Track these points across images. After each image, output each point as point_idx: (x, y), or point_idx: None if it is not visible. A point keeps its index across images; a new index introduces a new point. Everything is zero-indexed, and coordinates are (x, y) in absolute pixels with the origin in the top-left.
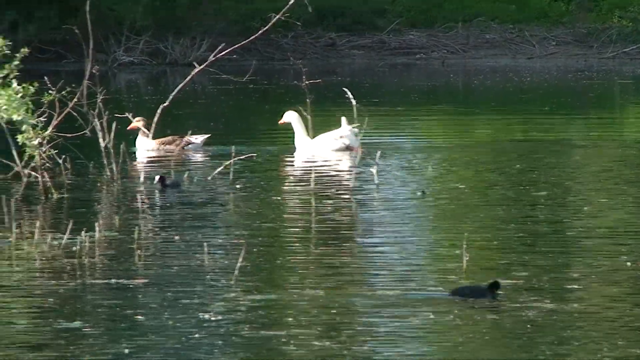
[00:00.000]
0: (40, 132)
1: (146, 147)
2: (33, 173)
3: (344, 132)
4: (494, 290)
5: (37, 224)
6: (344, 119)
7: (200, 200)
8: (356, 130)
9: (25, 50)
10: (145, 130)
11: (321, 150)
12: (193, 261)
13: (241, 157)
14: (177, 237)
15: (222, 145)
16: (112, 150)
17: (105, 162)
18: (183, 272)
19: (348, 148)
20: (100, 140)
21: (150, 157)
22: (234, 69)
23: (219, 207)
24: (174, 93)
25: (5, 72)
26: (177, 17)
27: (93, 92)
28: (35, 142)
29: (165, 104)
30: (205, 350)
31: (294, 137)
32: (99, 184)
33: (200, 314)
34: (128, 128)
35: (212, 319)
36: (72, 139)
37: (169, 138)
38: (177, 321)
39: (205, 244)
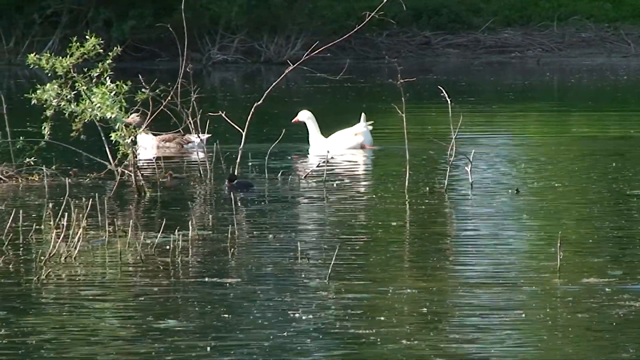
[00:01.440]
0: (133, 130)
1: (146, 144)
2: (126, 171)
3: (359, 129)
4: None
5: (130, 222)
6: (363, 116)
7: (293, 199)
8: (370, 127)
9: (117, 49)
10: (142, 126)
11: (336, 148)
12: (286, 260)
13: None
14: (270, 236)
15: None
16: (205, 149)
17: (198, 159)
18: (276, 270)
19: (362, 146)
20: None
21: (151, 154)
22: (329, 68)
23: (313, 205)
24: (267, 91)
25: (99, 71)
26: (272, 15)
27: (187, 91)
28: (129, 141)
29: (259, 102)
30: (293, 349)
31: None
32: (191, 182)
33: (291, 312)
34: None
35: (303, 317)
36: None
37: (169, 135)
38: (267, 320)
39: (298, 242)
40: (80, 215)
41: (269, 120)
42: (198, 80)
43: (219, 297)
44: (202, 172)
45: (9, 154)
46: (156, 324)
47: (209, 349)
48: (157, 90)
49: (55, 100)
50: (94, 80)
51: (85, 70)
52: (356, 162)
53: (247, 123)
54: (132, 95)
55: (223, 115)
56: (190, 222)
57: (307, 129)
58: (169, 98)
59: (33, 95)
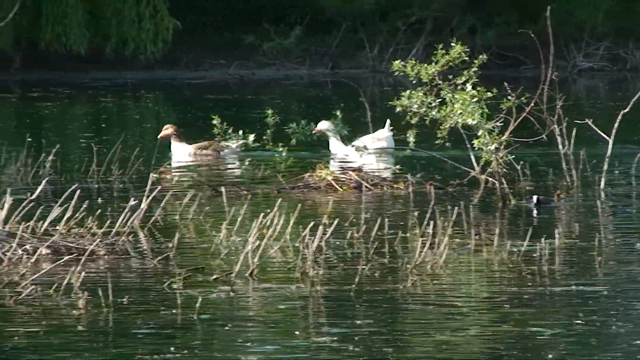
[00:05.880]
0: (496, 137)
1: (182, 153)
2: (490, 179)
3: (382, 134)
4: None
5: (496, 230)
6: (388, 121)
7: None
8: (392, 132)
9: (483, 57)
10: (178, 136)
11: (358, 154)
12: None
13: None
14: (638, 245)
15: None
16: (571, 157)
17: (564, 168)
18: None
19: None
20: (560, 146)
21: (187, 163)
22: None
23: None
24: (634, 99)
25: (464, 78)
26: (637, 22)
27: (552, 98)
28: (492, 148)
29: (625, 110)
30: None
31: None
32: (557, 191)
33: None
34: (158, 137)
35: None
36: (531, 145)
37: (205, 143)
38: (625, 328)
39: None
40: (446, 223)
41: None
42: (563, 87)
43: (584, 305)
44: (569, 180)
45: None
46: (527, 330)
47: (550, 355)
48: (522, 98)
49: (417, 107)
50: (458, 88)
51: (450, 77)
52: None
53: (613, 130)
54: (497, 102)
55: (589, 122)
56: (556, 230)
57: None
58: (532, 105)
59: (397, 102)
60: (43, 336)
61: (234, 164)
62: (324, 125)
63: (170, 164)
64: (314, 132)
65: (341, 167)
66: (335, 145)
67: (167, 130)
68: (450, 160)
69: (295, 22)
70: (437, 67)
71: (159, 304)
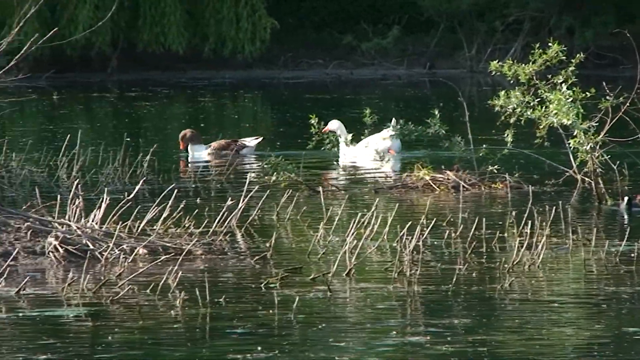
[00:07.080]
0: (592, 137)
1: (200, 152)
2: (586, 179)
3: (387, 134)
4: None
5: (594, 230)
6: (393, 121)
7: None
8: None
9: (580, 56)
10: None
11: (365, 153)
12: None
13: None
14: None
15: None
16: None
17: None
18: None
19: (388, 151)
20: None
21: (205, 162)
22: None
23: None
24: None
25: (562, 78)
26: None
27: None
28: (587, 147)
29: None
30: None
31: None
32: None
33: None
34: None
35: None
36: (630, 145)
37: (223, 142)
38: None
39: None
40: (544, 223)
41: None
42: None
43: None
44: None
45: (471, 161)
46: (623, 330)
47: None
48: (621, 98)
49: (512, 107)
50: (557, 87)
51: (549, 77)
52: None
53: None
54: (595, 102)
55: None
56: None
57: (337, 138)
58: (627, 105)
59: (496, 101)
60: (139, 335)
61: (333, 163)
62: (334, 125)
63: (188, 165)
64: (323, 131)
65: (351, 167)
66: (344, 145)
67: (186, 134)
68: (549, 159)
69: (393, 22)
70: (535, 67)
71: (256, 304)
